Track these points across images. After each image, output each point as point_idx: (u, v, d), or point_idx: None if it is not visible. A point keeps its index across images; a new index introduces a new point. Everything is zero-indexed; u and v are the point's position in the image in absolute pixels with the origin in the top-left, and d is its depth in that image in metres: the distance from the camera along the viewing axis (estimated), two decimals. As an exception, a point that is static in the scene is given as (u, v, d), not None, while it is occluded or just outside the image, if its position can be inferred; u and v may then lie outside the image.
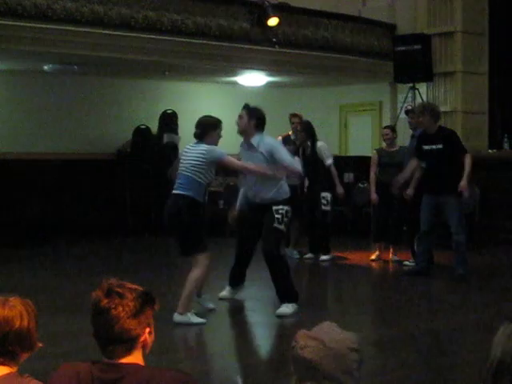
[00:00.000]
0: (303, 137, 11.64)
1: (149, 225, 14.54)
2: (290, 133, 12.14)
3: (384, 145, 11.89)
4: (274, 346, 7.28)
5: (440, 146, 9.93)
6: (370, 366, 5.69)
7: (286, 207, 8.03)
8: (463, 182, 9.69)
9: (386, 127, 12.06)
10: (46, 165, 14.04)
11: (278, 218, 7.92)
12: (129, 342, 2.68)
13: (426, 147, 10.08)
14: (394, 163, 11.17)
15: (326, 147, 11.74)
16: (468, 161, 9.84)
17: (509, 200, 12.84)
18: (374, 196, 11.41)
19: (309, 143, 11.53)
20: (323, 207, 11.55)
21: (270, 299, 8.70)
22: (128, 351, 2.68)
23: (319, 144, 11.60)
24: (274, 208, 7.95)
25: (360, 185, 14.17)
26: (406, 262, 11.19)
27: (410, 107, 13.15)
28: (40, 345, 2.88)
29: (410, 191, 10.44)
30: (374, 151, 11.95)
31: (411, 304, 9.04)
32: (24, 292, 3.04)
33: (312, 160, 11.45)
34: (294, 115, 12.27)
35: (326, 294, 10.44)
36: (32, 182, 13.89)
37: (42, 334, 2.93)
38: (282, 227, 7.99)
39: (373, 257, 11.69)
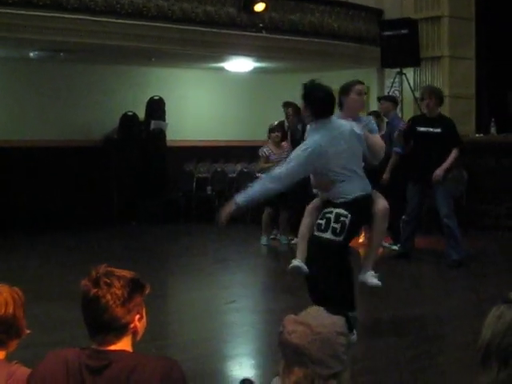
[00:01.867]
0: (294, 121, 11.69)
1: (135, 212, 14.54)
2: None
3: None
4: (262, 331, 7.28)
5: (438, 130, 9.89)
6: (356, 350, 5.71)
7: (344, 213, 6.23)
8: (439, 171, 9.69)
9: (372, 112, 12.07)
10: (32, 152, 13.98)
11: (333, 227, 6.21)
12: (118, 330, 2.68)
13: (422, 129, 9.98)
14: None
15: None
16: (454, 154, 9.82)
17: (496, 184, 12.87)
18: None
19: (299, 127, 11.53)
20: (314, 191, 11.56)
21: (258, 286, 8.73)
22: (117, 338, 2.69)
23: (308, 127, 11.56)
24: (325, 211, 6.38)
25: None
26: (386, 244, 11.26)
27: (397, 93, 13.17)
28: (27, 331, 2.88)
29: (385, 176, 10.44)
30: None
31: (398, 288, 9.06)
32: (12, 281, 3.04)
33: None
34: (287, 104, 12.28)
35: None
36: (18, 169, 13.84)
37: (33, 323, 2.93)
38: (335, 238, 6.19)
39: (360, 240, 11.77)
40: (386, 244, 11.37)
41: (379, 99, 11.84)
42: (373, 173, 8.14)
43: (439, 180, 9.71)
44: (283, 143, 11.80)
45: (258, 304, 8.49)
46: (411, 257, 10.42)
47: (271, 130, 12.01)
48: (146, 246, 12.17)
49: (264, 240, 11.71)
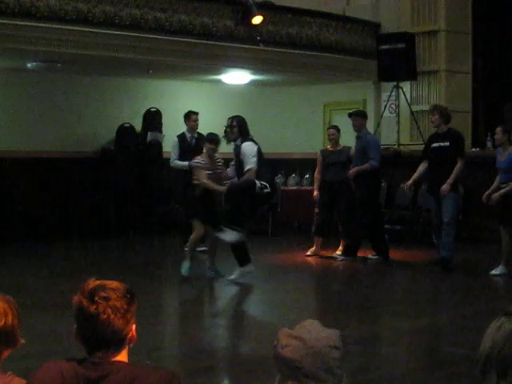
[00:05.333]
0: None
1: (132, 223, 14.53)
2: None
3: (329, 145, 12.17)
4: (256, 344, 7.27)
5: (447, 144, 10.61)
6: (352, 364, 5.70)
7: None
8: (446, 186, 10.33)
9: (331, 127, 12.36)
10: (29, 163, 13.97)
11: None
12: (119, 343, 2.67)
13: (435, 145, 10.76)
14: (338, 162, 11.72)
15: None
16: (459, 166, 10.46)
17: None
18: (315, 193, 11.93)
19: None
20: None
21: (253, 299, 8.72)
22: (118, 352, 2.68)
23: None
24: None
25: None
26: (370, 256, 11.57)
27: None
28: (22, 341, 2.87)
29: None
30: (319, 152, 12.22)
31: (395, 301, 9.07)
32: (7, 291, 3.03)
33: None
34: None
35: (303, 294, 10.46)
36: (15, 180, 13.82)
37: (26, 333, 2.92)
38: None
39: (308, 252, 11.87)
40: (370, 256, 11.50)
41: (350, 115, 11.96)
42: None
43: (446, 194, 10.37)
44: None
45: (252, 317, 8.49)
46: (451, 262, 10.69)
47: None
48: (142, 258, 12.16)
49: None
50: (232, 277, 9.49)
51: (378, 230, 11.58)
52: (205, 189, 9.89)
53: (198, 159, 9.99)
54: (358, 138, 11.73)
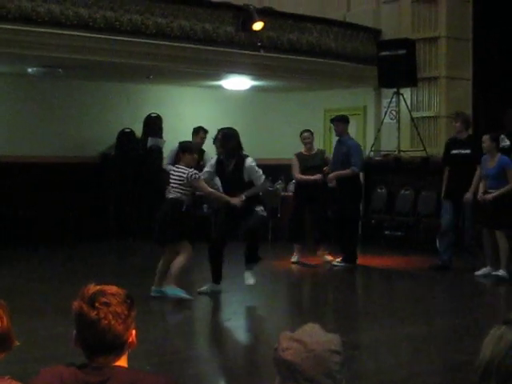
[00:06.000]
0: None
1: (132, 228, 14.52)
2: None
3: (303, 149, 12.11)
4: (257, 349, 7.26)
5: (468, 151, 10.85)
6: (351, 369, 5.69)
7: None
8: (469, 195, 10.66)
9: (305, 131, 12.22)
10: (29, 168, 13.98)
11: None
12: (119, 348, 2.67)
13: (455, 151, 11.02)
14: (314, 166, 11.74)
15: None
16: (478, 173, 10.64)
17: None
18: (314, 177, 11.79)
19: None
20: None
21: (254, 305, 8.70)
22: (118, 357, 2.68)
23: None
24: None
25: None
26: (335, 262, 11.59)
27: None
28: (17, 343, 2.86)
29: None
30: (295, 156, 12.13)
31: (391, 307, 9.06)
32: (5, 294, 3.03)
33: None
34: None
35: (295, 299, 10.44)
36: (15, 184, 13.82)
37: (23, 338, 2.91)
38: None
39: (293, 259, 11.84)
40: (333, 260, 11.51)
41: (332, 121, 11.97)
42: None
43: (470, 202, 10.71)
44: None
45: (253, 322, 8.48)
46: (450, 268, 10.95)
47: None
48: (141, 263, 12.13)
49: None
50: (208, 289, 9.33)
51: (351, 235, 11.65)
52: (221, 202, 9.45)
53: (191, 170, 9.04)
54: (339, 142, 11.80)
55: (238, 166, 9.11)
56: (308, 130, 12.17)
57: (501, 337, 2.07)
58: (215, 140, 9.57)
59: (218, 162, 9.33)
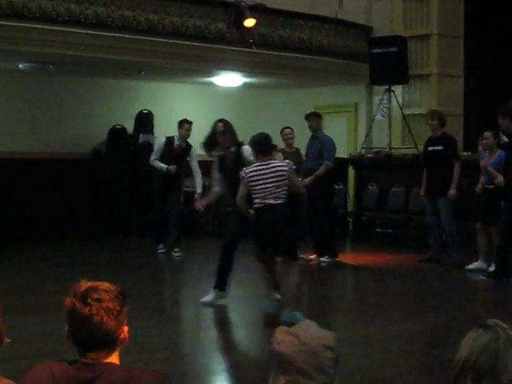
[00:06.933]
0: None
1: (123, 225, 14.51)
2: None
3: (284, 145, 12.02)
4: (256, 344, 7.26)
5: (440, 148, 11.12)
6: (345, 366, 5.69)
7: None
8: (452, 191, 10.94)
9: (287, 127, 12.19)
10: (20, 164, 13.93)
11: None
12: (111, 344, 2.67)
13: (429, 149, 11.34)
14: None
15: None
16: (457, 168, 10.95)
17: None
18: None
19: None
20: None
21: (246, 301, 8.69)
22: (110, 353, 2.67)
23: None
24: None
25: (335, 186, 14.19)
26: (323, 259, 11.62)
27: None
28: (8, 340, 2.85)
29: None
30: (280, 153, 11.85)
31: (385, 305, 9.07)
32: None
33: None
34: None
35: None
36: (6, 181, 13.77)
37: (18, 335, 2.90)
38: None
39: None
40: (324, 258, 11.52)
41: (307, 117, 11.96)
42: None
43: (455, 197, 11.01)
44: None
45: (246, 319, 8.47)
46: (440, 261, 11.30)
47: None
48: (133, 259, 12.13)
49: None
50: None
51: (325, 231, 11.69)
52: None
53: (289, 162, 8.17)
54: (313, 138, 11.82)
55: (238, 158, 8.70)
56: (289, 127, 12.15)
57: (477, 338, 2.32)
58: (223, 133, 8.95)
59: (221, 158, 8.86)
